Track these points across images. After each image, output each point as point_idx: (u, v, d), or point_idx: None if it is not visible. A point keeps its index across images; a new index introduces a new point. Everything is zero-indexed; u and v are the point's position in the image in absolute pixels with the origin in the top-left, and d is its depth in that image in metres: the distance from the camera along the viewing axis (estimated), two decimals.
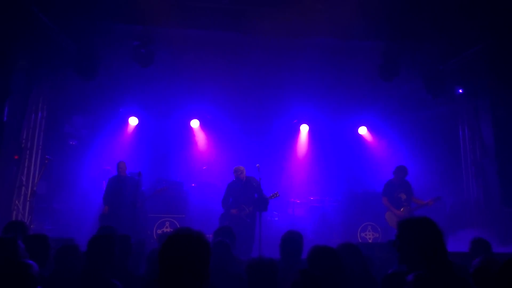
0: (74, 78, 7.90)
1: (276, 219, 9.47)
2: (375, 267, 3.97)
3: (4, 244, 3.28)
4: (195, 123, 10.98)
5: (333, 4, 6.28)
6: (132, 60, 7.49)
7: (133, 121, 10.62)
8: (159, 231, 8.48)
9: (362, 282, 3.02)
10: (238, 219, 7.33)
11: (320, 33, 6.95)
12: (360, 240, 8.82)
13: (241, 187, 7.59)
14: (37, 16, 6.31)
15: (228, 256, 4.17)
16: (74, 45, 7.40)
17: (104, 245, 3.31)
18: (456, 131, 9.83)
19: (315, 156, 11.01)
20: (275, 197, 7.50)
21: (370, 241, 8.88)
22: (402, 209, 7.91)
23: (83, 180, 9.58)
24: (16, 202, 7.91)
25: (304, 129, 11.25)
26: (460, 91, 8.93)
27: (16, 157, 7.91)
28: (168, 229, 8.46)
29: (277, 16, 6.43)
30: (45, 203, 8.84)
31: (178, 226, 8.38)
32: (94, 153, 9.84)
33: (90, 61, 7.57)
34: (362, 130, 11.23)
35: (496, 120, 8.78)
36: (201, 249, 1.87)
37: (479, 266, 2.89)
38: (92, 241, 3.36)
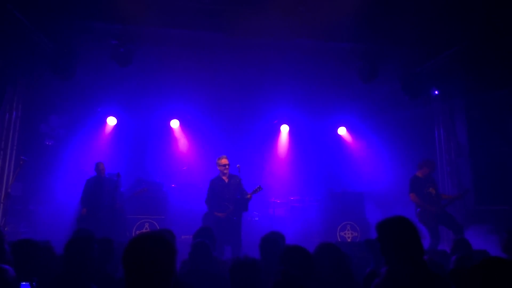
0: (50, 77, 7.73)
1: (257, 219, 9.50)
2: (353, 266, 4.02)
3: None
4: (175, 123, 10.90)
5: (314, 7, 6.35)
6: (110, 59, 7.37)
7: (111, 121, 10.47)
8: (138, 233, 8.37)
9: (341, 281, 3.06)
10: (225, 218, 7.07)
11: (301, 34, 7.01)
12: (339, 239, 8.92)
13: (225, 183, 7.28)
14: (12, 13, 6.14)
15: (208, 257, 4.17)
16: (50, 44, 7.24)
17: (82, 248, 3.25)
18: (432, 132, 10.06)
19: (295, 156, 11.10)
20: (258, 191, 7.15)
21: (349, 240, 8.99)
22: (433, 208, 7.19)
23: (59, 181, 9.38)
24: None
25: (284, 129, 11.33)
26: (436, 92, 9.15)
27: None
28: (148, 231, 8.37)
29: (258, 17, 6.45)
30: (20, 205, 8.62)
31: (158, 228, 8.32)
32: (71, 154, 9.64)
33: (67, 60, 7.42)
34: (342, 131, 11.39)
35: (470, 121, 9.06)
36: (162, 249, 1.91)
37: (457, 265, 2.97)
38: (69, 244, 3.29)
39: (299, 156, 11.05)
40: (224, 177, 7.32)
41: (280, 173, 10.79)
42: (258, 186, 7.16)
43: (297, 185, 10.50)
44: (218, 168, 7.37)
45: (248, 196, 7.13)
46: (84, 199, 7.76)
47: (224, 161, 7.28)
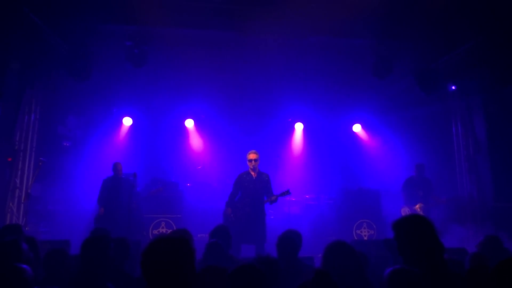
0: (67, 79, 7.86)
1: (272, 217, 9.49)
2: (370, 265, 3.99)
3: (7, 246, 3.29)
4: (189, 123, 10.97)
5: (326, 3, 6.30)
6: (125, 60, 7.46)
7: (127, 121, 10.59)
8: (155, 232, 8.47)
9: (354, 281, 3.02)
10: (247, 215, 6.86)
11: (314, 32, 6.97)
12: (355, 238, 8.86)
13: (253, 178, 7.05)
14: (29, 17, 6.26)
15: (222, 256, 4.19)
16: (66, 46, 7.36)
17: (98, 247, 3.29)
18: (449, 128, 9.90)
19: (310, 154, 11.05)
20: (286, 195, 7.03)
21: (365, 238, 8.92)
22: (417, 206, 8.13)
23: (77, 181, 9.53)
24: (11, 204, 7.86)
25: (299, 127, 11.28)
26: (453, 88, 8.99)
27: (9, 159, 7.85)
28: (164, 230, 8.45)
29: (270, 15, 6.44)
30: (40, 205, 8.78)
31: (174, 226, 8.39)
32: (88, 154, 9.79)
33: (83, 62, 7.52)
34: (357, 128, 11.29)
35: (488, 116, 8.87)
36: (181, 251, 1.93)
37: (472, 264, 2.92)
38: (85, 243, 3.34)
39: (314, 154, 10.99)
40: (252, 172, 7.13)
41: (295, 171, 10.75)
42: (287, 190, 6.98)
43: (312, 183, 10.44)
44: (247, 163, 7.15)
45: (274, 198, 6.91)
46: (101, 199, 7.87)
47: (251, 156, 7.08)
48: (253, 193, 6.98)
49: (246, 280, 2.51)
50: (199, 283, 2.76)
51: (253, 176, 7.12)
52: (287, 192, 6.98)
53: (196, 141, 10.99)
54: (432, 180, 8.39)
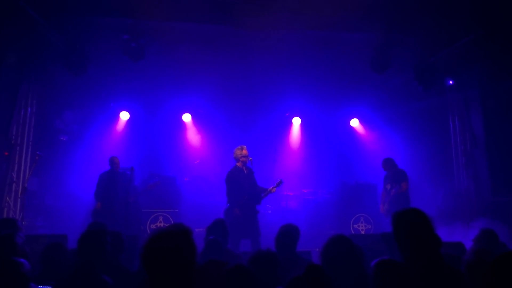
0: (63, 73, 7.82)
1: (270, 212, 9.51)
2: (367, 258, 4.00)
3: (2, 241, 3.29)
4: (187, 117, 10.94)
5: None
6: (122, 54, 7.42)
7: (124, 115, 10.55)
8: (153, 226, 8.47)
9: (352, 274, 3.03)
10: (244, 211, 6.83)
11: (311, 26, 6.95)
12: (352, 232, 8.89)
13: (245, 174, 6.98)
14: (25, 10, 6.22)
15: (220, 251, 4.20)
16: (63, 40, 7.32)
17: (95, 241, 3.29)
18: (446, 122, 9.89)
19: (307, 148, 11.06)
20: (280, 185, 7.10)
21: (362, 232, 8.95)
22: (385, 204, 8.27)
23: (74, 175, 9.51)
24: (7, 199, 7.84)
25: (296, 122, 11.28)
26: (451, 82, 8.99)
27: (6, 153, 7.83)
28: (162, 224, 8.46)
29: (267, 9, 6.40)
30: (37, 200, 8.77)
31: (172, 221, 8.40)
32: (85, 149, 9.76)
33: (80, 56, 7.50)
34: (354, 122, 11.29)
35: (486, 111, 8.88)
36: (181, 244, 1.91)
37: (472, 258, 2.93)
38: (83, 237, 3.34)
39: (312, 148, 10.99)
40: (244, 168, 7.07)
41: (293, 166, 10.76)
42: (280, 180, 7.11)
43: (309, 178, 10.46)
44: (240, 158, 7.03)
45: (273, 190, 7.02)
46: (98, 193, 7.84)
47: (246, 151, 7.05)
48: (249, 188, 6.97)
49: (236, 280, 2.53)
50: (201, 277, 2.76)
51: (245, 171, 7.10)
52: (280, 182, 7.11)
53: (193, 136, 10.98)
54: (407, 171, 8.29)
